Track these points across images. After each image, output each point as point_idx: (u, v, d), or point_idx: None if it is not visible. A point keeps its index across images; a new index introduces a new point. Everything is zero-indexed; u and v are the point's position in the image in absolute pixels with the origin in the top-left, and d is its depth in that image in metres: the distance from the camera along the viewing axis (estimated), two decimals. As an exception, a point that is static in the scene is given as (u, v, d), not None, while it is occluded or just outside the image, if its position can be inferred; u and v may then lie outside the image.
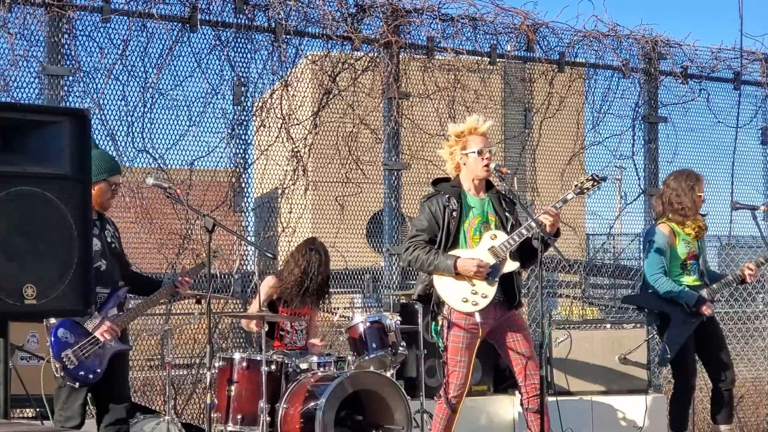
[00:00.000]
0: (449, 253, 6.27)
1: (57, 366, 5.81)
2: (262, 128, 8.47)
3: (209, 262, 5.84)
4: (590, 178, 6.34)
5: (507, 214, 6.41)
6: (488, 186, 6.50)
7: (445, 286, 6.31)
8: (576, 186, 6.36)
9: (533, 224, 6.18)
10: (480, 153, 6.33)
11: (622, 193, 10.63)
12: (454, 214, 6.29)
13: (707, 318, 7.30)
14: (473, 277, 6.20)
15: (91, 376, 5.88)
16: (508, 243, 6.22)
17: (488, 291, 6.24)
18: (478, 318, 6.24)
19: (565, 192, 6.48)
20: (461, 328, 6.29)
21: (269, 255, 6.58)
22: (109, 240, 6.07)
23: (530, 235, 6.19)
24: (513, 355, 6.42)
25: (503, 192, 6.60)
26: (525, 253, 6.31)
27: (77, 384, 5.86)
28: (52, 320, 5.81)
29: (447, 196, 6.34)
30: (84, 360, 5.84)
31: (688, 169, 7.65)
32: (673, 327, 7.21)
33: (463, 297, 6.26)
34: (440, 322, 6.40)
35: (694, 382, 7.39)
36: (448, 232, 6.29)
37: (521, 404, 6.50)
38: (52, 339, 5.81)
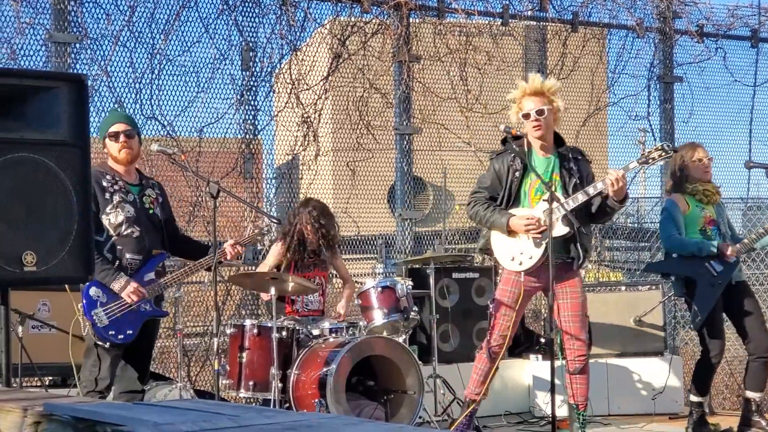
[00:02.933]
0: (507, 211, 6.29)
1: (86, 324, 5.75)
2: (271, 94, 8.42)
3: (214, 227, 5.79)
4: (659, 148, 6.23)
5: (572, 174, 6.31)
6: (560, 143, 6.43)
7: (498, 243, 6.42)
8: (642, 156, 6.27)
9: (591, 191, 6.13)
10: (526, 117, 6.28)
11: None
12: (517, 174, 6.29)
13: (736, 282, 7.15)
14: (525, 233, 6.21)
15: (121, 336, 5.81)
16: (559, 209, 6.07)
17: (534, 253, 6.24)
18: (521, 278, 6.30)
19: (628, 160, 6.36)
20: (510, 286, 6.37)
21: (274, 220, 6.53)
22: (147, 206, 6.01)
23: (582, 203, 6.15)
24: (561, 317, 6.41)
25: (576, 149, 6.55)
26: (593, 213, 6.32)
27: (107, 343, 5.79)
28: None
29: (513, 155, 6.30)
30: (115, 320, 5.79)
31: (686, 143, 7.54)
32: (700, 291, 7.10)
33: (512, 256, 6.33)
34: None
35: (722, 349, 7.22)
36: (510, 191, 6.32)
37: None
38: (84, 297, 5.76)
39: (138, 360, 6.02)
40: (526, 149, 6.19)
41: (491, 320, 6.49)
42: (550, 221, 6.03)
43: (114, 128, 5.97)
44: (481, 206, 6.35)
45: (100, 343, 5.80)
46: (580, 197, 6.13)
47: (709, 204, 7.19)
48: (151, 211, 6.03)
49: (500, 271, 6.54)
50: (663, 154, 6.18)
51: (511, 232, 6.25)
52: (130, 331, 5.85)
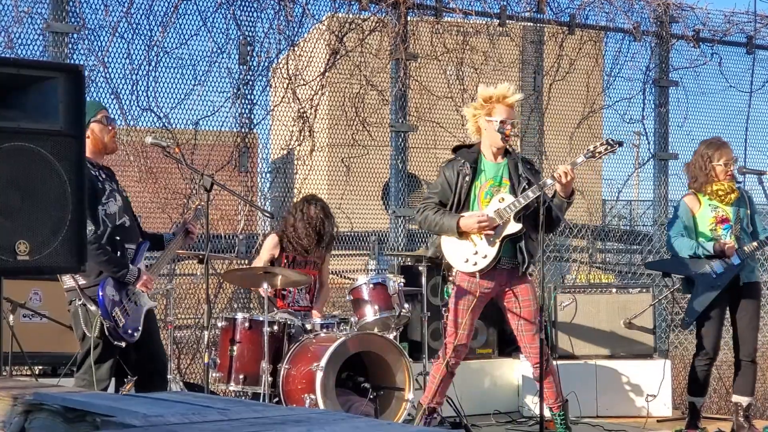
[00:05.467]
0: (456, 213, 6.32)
1: (108, 325, 5.54)
2: (268, 88, 8.44)
3: (207, 222, 5.78)
4: (605, 142, 6.32)
5: (521, 179, 6.36)
6: (508, 151, 6.49)
7: (450, 247, 6.38)
8: (588, 150, 6.33)
9: (534, 190, 6.18)
10: (503, 123, 6.32)
11: (641, 160, 10.52)
12: (467, 178, 6.33)
13: (744, 283, 7.14)
14: (477, 232, 6.25)
15: (136, 334, 5.68)
16: (512, 205, 6.24)
17: (489, 251, 6.28)
18: (477, 278, 6.28)
19: (575, 155, 6.45)
20: (465, 290, 6.35)
21: (267, 214, 6.54)
22: (125, 194, 5.90)
23: (535, 198, 6.15)
24: (514, 324, 6.45)
25: (526, 158, 6.61)
26: (535, 219, 6.24)
27: (123, 343, 5.63)
28: (82, 281, 5.59)
29: (462, 161, 6.38)
30: (128, 317, 5.65)
31: (713, 139, 7.51)
32: (696, 291, 7.13)
33: (465, 257, 6.32)
34: (450, 286, 6.47)
35: (713, 349, 7.20)
36: (459, 195, 6.34)
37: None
38: (100, 297, 5.53)
39: (154, 350, 5.94)
40: (477, 155, 6.38)
41: (446, 332, 6.47)
42: (543, 223, 6.06)
43: (102, 113, 5.83)
44: (430, 210, 6.36)
45: (117, 343, 5.63)
46: (531, 194, 6.17)
47: (724, 203, 7.18)
48: (128, 199, 5.96)
49: (452, 278, 6.46)
50: (609, 148, 6.27)
51: (462, 234, 6.28)
52: (140, 327, 5.73)
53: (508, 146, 6.37)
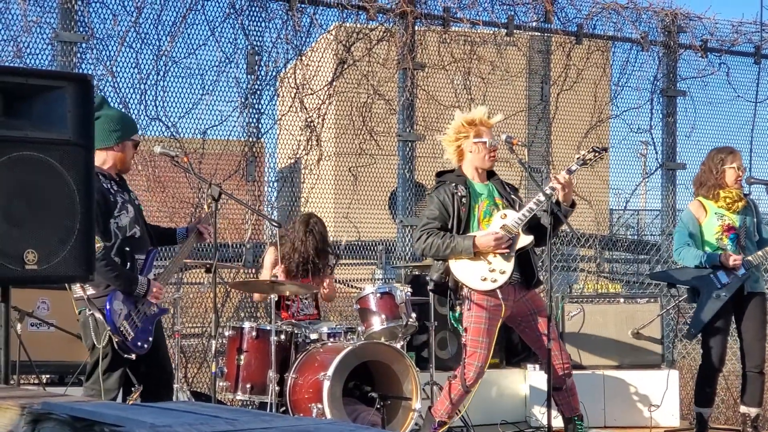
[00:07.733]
0: (466, 234, 6.30)
1: (116, 340, 5.51)
2: (275, 98, 8.46)
3: (215, 231, 5.78)
4: (591, 150, 6.38)
5: (512, 196, 6.48)
6: (489, 174, 6.56)
7: (462, 268, 6.32)
8: (578, 158, 6.39)
9: (542, 197, 6.19)
10: (490, 145, 6.40)
11: (647, 169, 10.52)
12: (464, 200, 6.34)
13: (749, 293, 7.13)
14: (493, 250, 6.22)
15: (146, 345, 5.65)
16: (519, 219, 6.26)
17: (506, 267, 6.26)
18: (499, 295, 6.25)
19: (568, 164, 6.49)
20: (483, 308, 6.30)
21: (274, 224, 6.55)
22: (137, 203, 5.86)
23: (540, 209, 6.18)
24: (534, 337, 6.43)
25: (503, 180, 6.64)
26: (539, 231, 6.29)
27: (133, 356, 5.59)
28: (91, 290, 5.56)
29: (453, 184, 6.39)
30: (137, 330, 5.62)
31: (724, 146, 7.51)
32: (701, 302, 7.10)
33: (482, 276, 6.28)
34: (459, 309, 6.38)
35: (719, 359, 7.19)
36: (459, 218, 6.33)
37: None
38: (108, 312, 5.49)
39: (161, 360, 5.90)
40: (464, 178, 6.42)
41: (465, 351, 6.35)
42: (549, 231, 6.09)
43: (137, 137, 5.90)
44: (434, 236, 6.30)
45: (126, 356, 5.59)
46: (534, 205, 6.23)
47: (731, 211, 7.16)
48: (141, 207, 5.94)
49: (464, 298, 6.35)
50: (596, 154, 6.33)
51: (476, 254, 6.24)
52: (150, 338, 5.70)
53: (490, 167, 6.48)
